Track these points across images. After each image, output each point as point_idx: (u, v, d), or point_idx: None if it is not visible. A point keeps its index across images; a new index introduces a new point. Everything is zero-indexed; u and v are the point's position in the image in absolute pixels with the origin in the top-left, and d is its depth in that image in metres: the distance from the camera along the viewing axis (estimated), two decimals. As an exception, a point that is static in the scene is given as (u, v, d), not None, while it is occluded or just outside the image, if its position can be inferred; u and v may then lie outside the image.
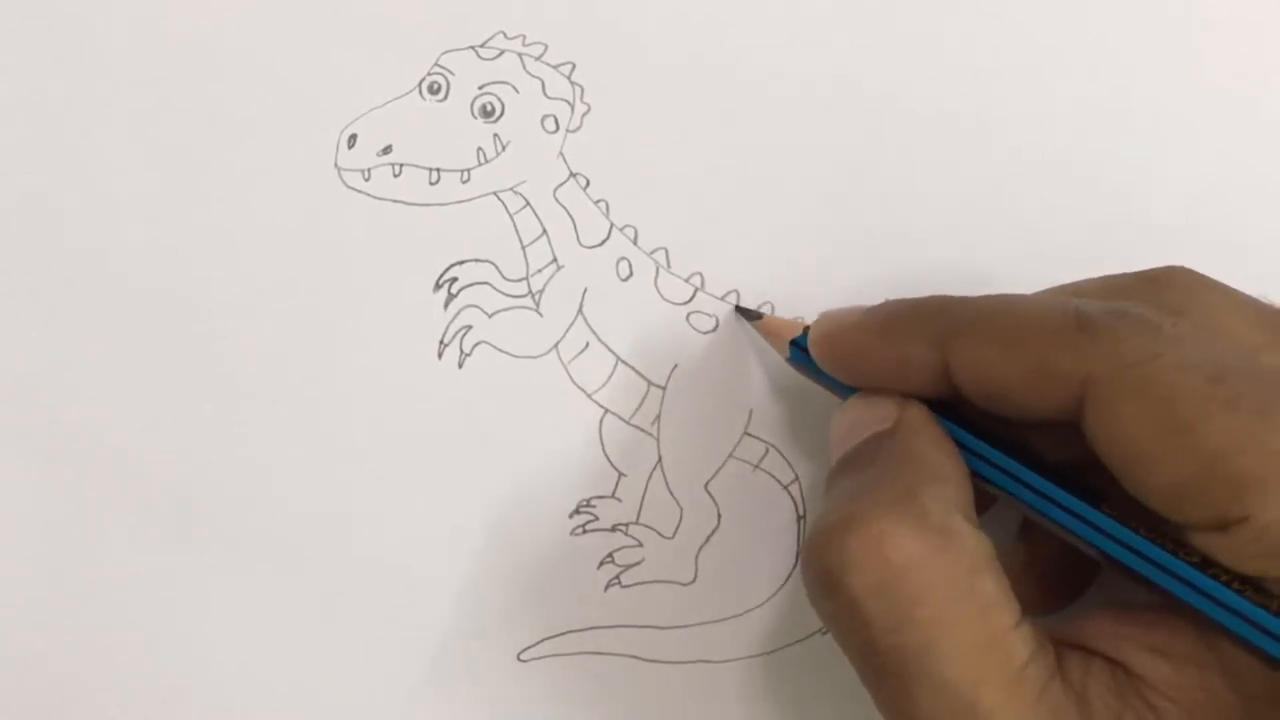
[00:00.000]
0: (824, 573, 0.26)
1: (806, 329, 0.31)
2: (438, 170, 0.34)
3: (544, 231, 0.34)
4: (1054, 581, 0.31)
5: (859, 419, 0.29)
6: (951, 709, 0.25)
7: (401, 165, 0.34)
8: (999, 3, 0.36)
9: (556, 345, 0.34)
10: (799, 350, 0.31)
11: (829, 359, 0.30)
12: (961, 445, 0.28)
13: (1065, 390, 0.26)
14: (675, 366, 0.34)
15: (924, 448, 0.28)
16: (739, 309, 0.34)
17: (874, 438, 0.28)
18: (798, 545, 0.33)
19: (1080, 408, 0.26)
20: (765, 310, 0.34)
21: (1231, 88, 0.36)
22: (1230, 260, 0.35)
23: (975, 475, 0.28)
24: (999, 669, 0.25)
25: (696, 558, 0.33)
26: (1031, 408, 0.27)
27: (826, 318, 0.30)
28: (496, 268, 0.34)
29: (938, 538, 0.26)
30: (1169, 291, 0.28)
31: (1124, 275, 0.29)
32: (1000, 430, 0.28)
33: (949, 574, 0.25)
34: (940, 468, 0.28)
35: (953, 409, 0.29)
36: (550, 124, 0.34)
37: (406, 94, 0.34)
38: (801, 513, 0.34)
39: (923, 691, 0.25)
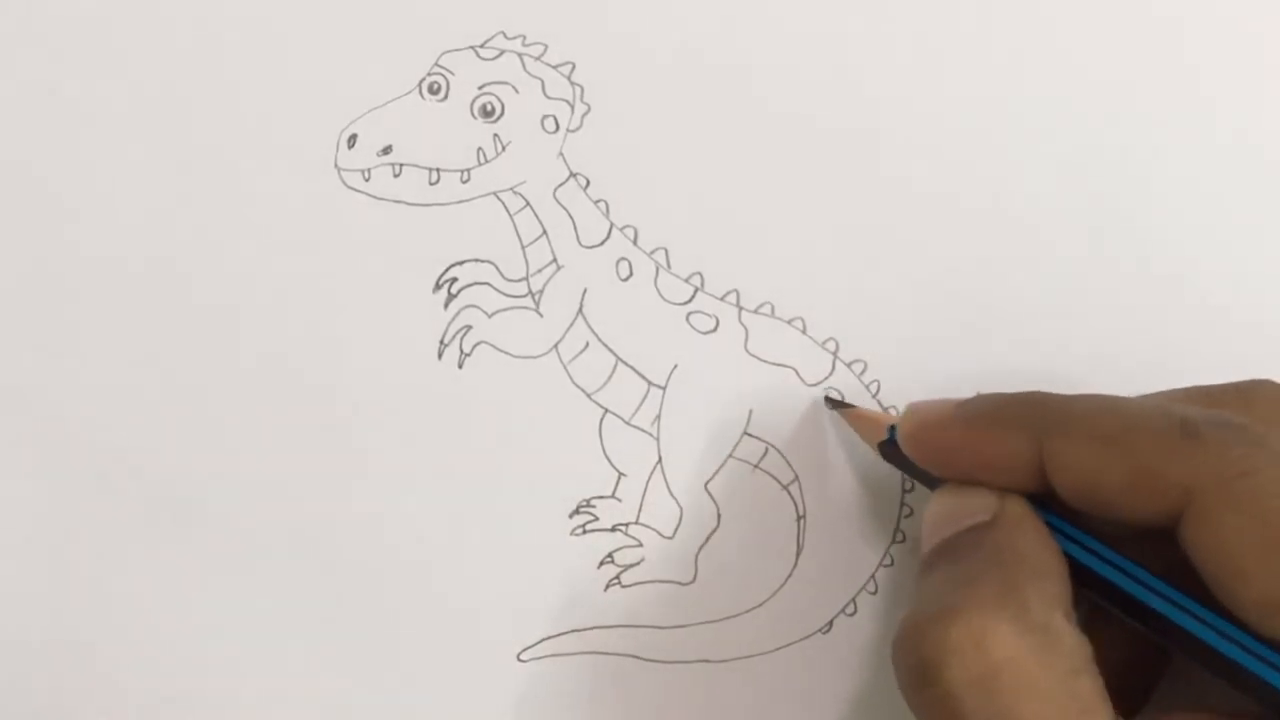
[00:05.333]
0: (920, 663, 0.26)
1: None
2: (438, 170, 0.34)
3: (544, 231, 0.34)
4: (1120, 686, 0.30)
5: (955, 509, 0.29)
6: None
7: (401, 165, 0.34)
8: (1001, 3, 0.36)
9: (556, 345, 0.34)
10: (889, 444, 0.31)
11: (921, 454, 0.30)
12: (1068, 537, 0.28)
13: (1166, 497, 0.26)
14: (675, 366, 0.34)
15: (1026, 542, 0.28)
16: (828, 399, 0.33)
17: (972, 529, 0.28)
18: (797, 545, 0.33)
19: (1179, 515, 0.26)
20: (765, 310, 0.34)
21: (1230, 88, 0.36)
22: (1230, 262, 0.35)
23: (1080, 568, 0.28)
24: None
25: (696, 558, 0.33)
26: (1128, 512, 0.27)
27: (915, 412, 0.30)
28: (496, 268, 0.34)
29: (1039, 636, 0.25)
30: (1258, 404, 0.28)
31: (1212, 386, 0.29)
32: (1095, 529, 0.28)
33: (1050, 673, 0.25)
34: (1042, 564, 0.27)
35: (1046, 503, 0.28)
36: (550, 124, 0.34)
37: (406, 94, 0.34)
38: (801, 513, 0.33)
39: None
